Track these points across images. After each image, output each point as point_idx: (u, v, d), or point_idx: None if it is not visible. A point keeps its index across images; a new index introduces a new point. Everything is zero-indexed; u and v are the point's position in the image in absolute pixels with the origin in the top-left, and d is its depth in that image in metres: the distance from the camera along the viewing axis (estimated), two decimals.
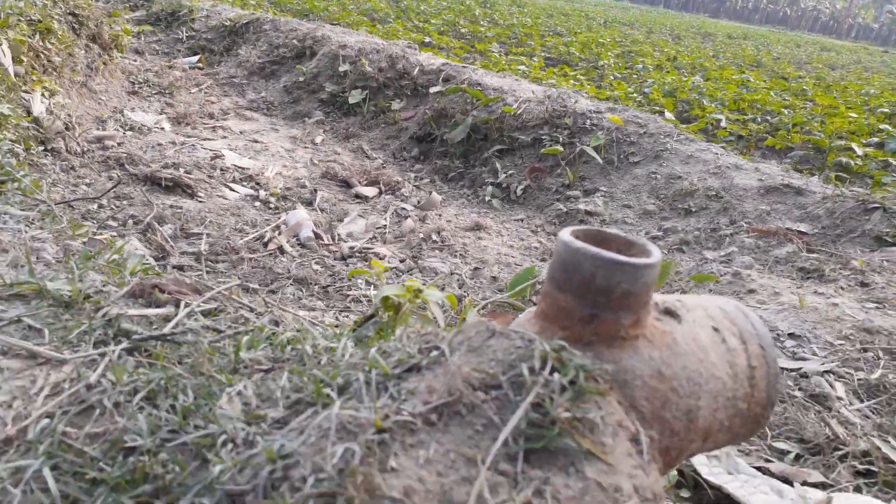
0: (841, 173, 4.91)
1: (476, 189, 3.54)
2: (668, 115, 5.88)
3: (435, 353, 0.61)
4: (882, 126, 6.51)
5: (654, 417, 0.64)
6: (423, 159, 3.94)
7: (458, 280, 2.41)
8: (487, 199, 3.41)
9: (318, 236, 2.68)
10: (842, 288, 2.05)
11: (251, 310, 1.06)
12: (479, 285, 2.39)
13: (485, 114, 3.84)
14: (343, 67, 4.43)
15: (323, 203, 3.07)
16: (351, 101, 4.23)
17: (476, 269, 2.54)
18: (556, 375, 0.55)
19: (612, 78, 8.00)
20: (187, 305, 0.97)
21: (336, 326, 1.61)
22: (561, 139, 3.56)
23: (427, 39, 8.75)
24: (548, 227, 3.12)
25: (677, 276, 2.09)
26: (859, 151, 4.73)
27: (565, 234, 0.65)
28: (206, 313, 0.98)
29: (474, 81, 4.08)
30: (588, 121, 3.61)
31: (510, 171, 3.56)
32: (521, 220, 3.21)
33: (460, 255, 2.66)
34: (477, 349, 0.60)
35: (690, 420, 0.68)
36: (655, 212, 3.00)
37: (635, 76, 8.26)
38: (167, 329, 0.89)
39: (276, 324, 1.01)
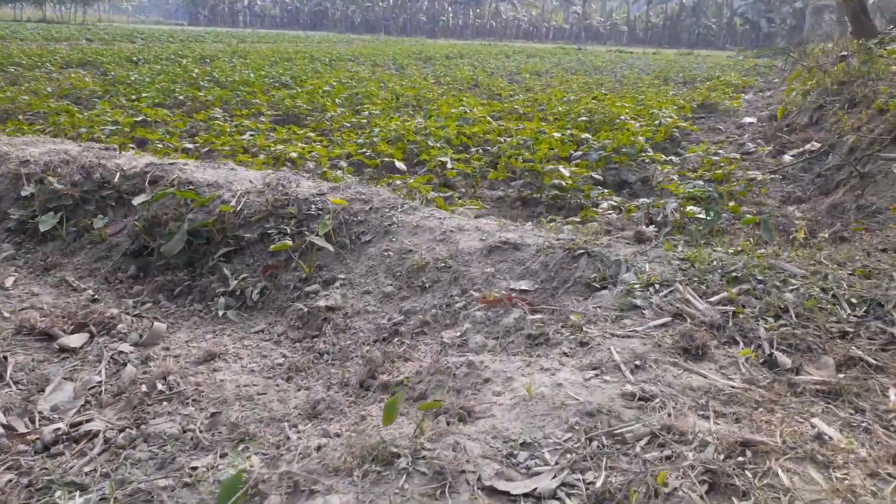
0: (558, 192, 5.37)
1: (207, 303, 3.26)
2: (398, 164, 6.01)
3: None
4: (584, 136, 7.28)
5: None
6: (143, 277, 3.55)
7: (192, 439, 2.14)
8: (221, 312, 3.15)
9: (8, 427, 2.23)
10: (565, 354, 2.15)
11: None
12: (217, 439, 2.15)
13: (203, 215, 3.56)
14: (28, 189, 3.86)
15: (17, 373, 2.60)
16: (42, 227, 3.69)
17: (213, 415, 2.29)
18: None
19: (340, 130, 8.04)
20: None
21: None
22: (289, 230, 3.41)
23: (140, 118, 8.10)
24: (291, 333, 2.95)
25: (407, 403, 2.04)
26: (566, 172, 5.20)
27: None
28: None
29: (185, 181, 3.77)
30: (313, 205, 3.50)
31: (242, 275, 3.33)
32: (262, 331, 3.00)
33: (193, 400, 2.38)
34: None
35: None
36: (394, 293, 2.97)
37: (364, 122, 8.39)
38: None
39: None
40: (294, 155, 6.00)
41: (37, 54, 17.13)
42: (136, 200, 3.51)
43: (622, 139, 6.36)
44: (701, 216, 4.74)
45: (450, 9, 77.42)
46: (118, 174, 3.92)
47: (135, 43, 27.87)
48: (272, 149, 6.15)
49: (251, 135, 7.55)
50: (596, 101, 9.96)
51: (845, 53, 14.66)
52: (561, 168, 5.19)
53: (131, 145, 6.78)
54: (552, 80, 16.53)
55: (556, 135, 6.56)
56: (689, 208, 4.74)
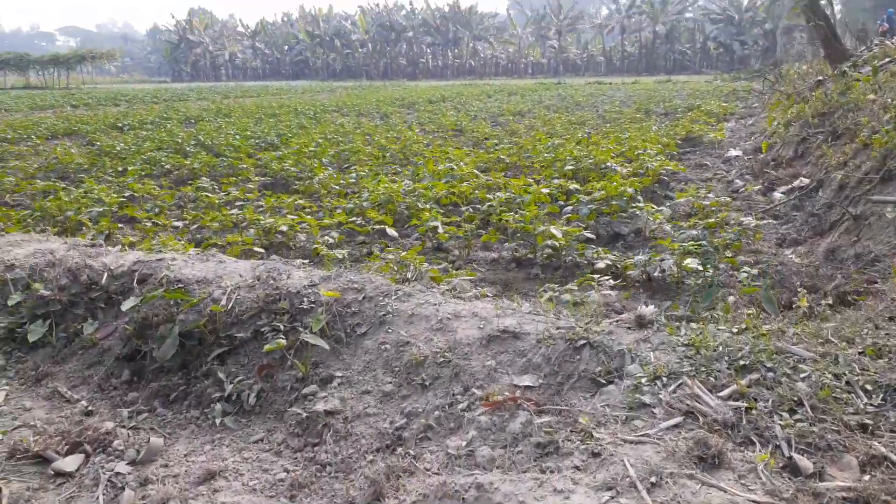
0: (552, 251, 5.33)
1: (204, 409, 3.16)
2: (390, 231, 5.97)
3: None
4: (572, 186, 7.27)
5: None
6: (137, 381, 3.46)
7: None
8: (219, 420, 3.06)
9: None
10: (577, 468, 2.07)
11: None
12: None
13: (194, 315, 3.49)
14: (15, 297, 3.78)
15: None
16: (32, 337, 3.60)
17: None
18: None
19: (330, 194, 8.03)
20: None
21: None
22: (282, 327, 3.34)
23: (128, 194, 8.07)
24: (291, 441, 2.86)
25: None
26: (558, 232, 5.17)
27: None
28: None
29: (173, 279, 3.70)
30: (305, 299, 3.44)
31: (238, 377, 3.24)
32: (262, 440, 2.91)
33: None
34: None
35: None
36: (394, 391, 2.89)
37: (352, 182, 8.39)
38: None
39: None
40: (284, 228, 5.95)
41: (22, 126, 17.18)
42: (125, 306, 3.44)
43: (611, 190, 6.35)
44: (699, 268, 4.71)
45: (428, 51, 78.65)
46: (106, 274, 3.86)
47: (119, 106, 28.07)
48: (261, 222, 6.10)
49: (240, 205, 7.53)
50: (580, 147, 10.01)
51: (821, 78, 14.89)
52: (553, 228, 5.15)
53: (120, 226, 6.73)
54: (535, 121, 16.65)
55: (545, 190, 6.55)
56: (686, 262, 4.71)
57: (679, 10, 65.42)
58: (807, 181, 7.21)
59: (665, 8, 64.81)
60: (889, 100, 7.29)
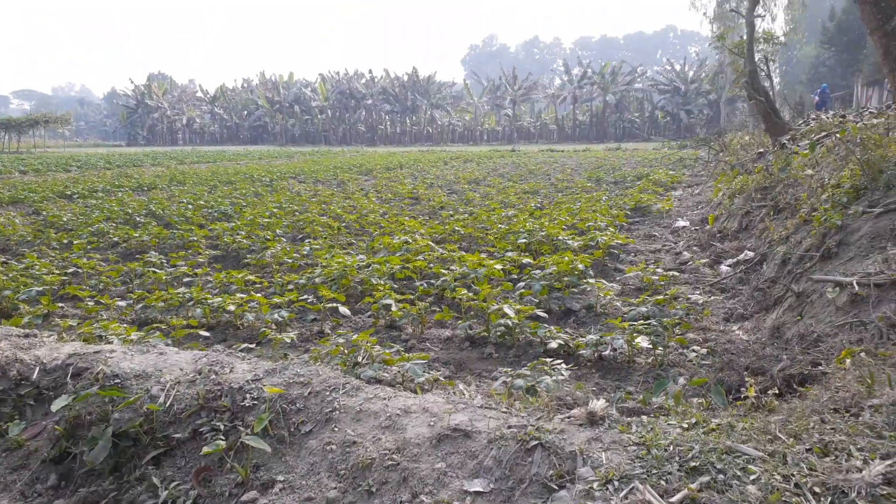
0: (505, 330, 5.29)
1: None
2: (342, 309, 5.87)
3: None
4: (525, 261, 7.32)
5: None
6: (65, 487, 3.23)
7: None
8: None
9: None
10: None
11: None
12: None
13: (130, 414, 3.31)
14: None
15: None
16: None
17: None
18: None
19: (282, 268, 7.91)
20: None
21: None
22: (223, 426, 3.18)
23: (72, 269, 7.81)
24: None
25: None
26: (511, 311, 5.15)
27: None
28: None
29: (110, 374, 3.52)
30: (248, 395, 3.30)
31: (174, 482, 3.05)
32: None
33: None
34: None
35: None
36: (339, 497, 2.75)
37: (306, 256, 8.29)
38: None
39: None
40: (232, 308, 5.80)
41: None
42: (56, 405, 3.24)
43: (563, 266, 6.40)
44: (649, 346, 4.73)
45: (387, 117, 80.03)
46: (38, 369, 3.65)
47: (70, 172, 27.58)
48: (209, 301, 5.94)
49: (188, 282, 7.35)
50: (534, 218, 10.14)
51: (762, 150, 15.55)
52: (506, 307, 5.13)
53: (60, 306, 6.47)
54: (490, 189, 16.90)
55: (498, 266, 6.57)
56: (636, 341, 4.72)
57: (628, 80, 68.33)
58: (751, 254, 7.39)
59: (615, 79, 67.64)
60: (826, 176, 7.61)
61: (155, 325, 5.43)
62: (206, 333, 5.32)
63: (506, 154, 42.22)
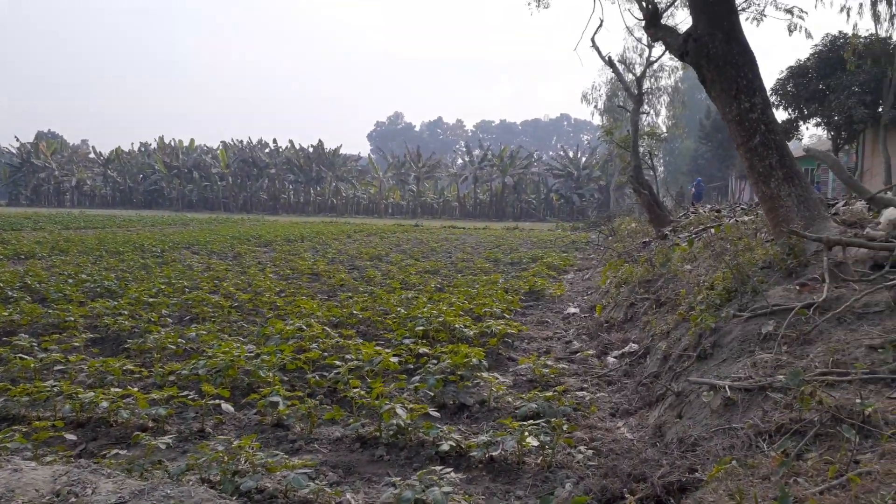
0: (398, 430, 5.18)
1: None
2: (225, 406, 5.58)
3: None
4: (422, 350, 7.28)
5: None
6: None
7: None
8: None
9: None
10: None
11: None
12: None
13: None
14: None
15: None
16: None
17: None
18: None
19: (164, 356, 7.49)
20: None
21: None
22: None
23: None
24: None
25: None
26: (403, 412, 5.06)
27: None
28: None
29: None
30: None
31: None
32: None
33: None
34: None
35: None
36: None
37: (191, 346, 7.88)
38: None
39: None
40: (105, 404, 5.39)
41: None
42: None
43: (457, 359, 6.42)
44: (538, 446, 4.77)
45: (291, 187, 79.42)
46: None
47: None
48: (80, 395, 5.50)
49: (60, 370, 6.81)
50: (432, 303, 10.19)
51: (647, 240, 16.51)
52: (398, 408, 5.05)
53: None
54: (391, 267, 16.90)
55: (394, 358, 6.50)
56: (526, 440, 4.75)
57: (525, 164, 71.53)
58: (636, 346, 7.70)
59: (513, 162, 70.64)
60: (702, 273, 8.12)
61: (15, 426, 4.94)
62: (73, 437, 4.89)
63: (409, 229, 42.64)
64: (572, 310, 11.14)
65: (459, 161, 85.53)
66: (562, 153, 76.68)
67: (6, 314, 9.08)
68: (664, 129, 48.35)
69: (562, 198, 69.86)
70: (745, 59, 6.98)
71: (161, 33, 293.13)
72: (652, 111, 47.87)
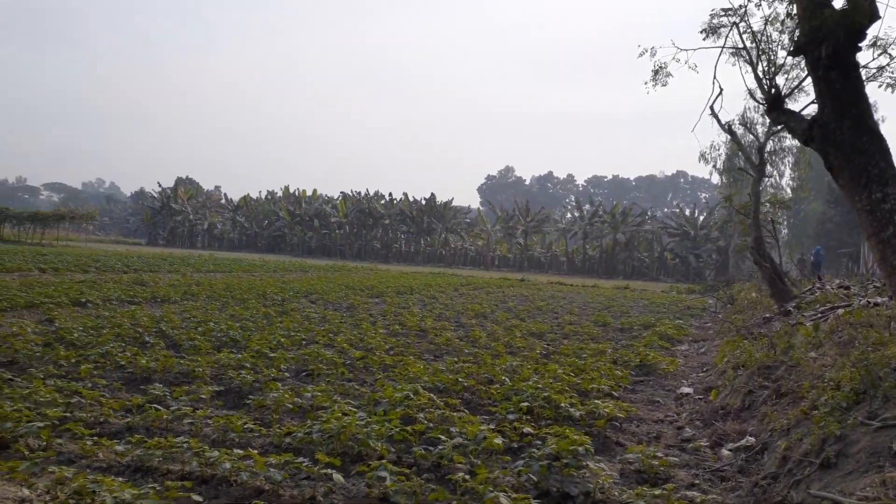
0: None
1: None
2: (336, 477, 5.81)
3: None
4: (525, 429, 7.27)
5: None
6: None
7: None
8: None
9: None
10: None
11: None
12: None
13: None
14: None
15: None
16: None
17: None
18: None
19: (281, 415, 7.91)
20: None
21: None
22: None
23: (74, 399, 7.83)
24: None
25: None
26: (506, 502, 5.10)
27: None
28: None
29: None
30: None
31: None
32: None
33: None
34: None
35: None
36: None
37: (306, 404, 8.28)
38: None
39: None
40: (228, 465, 5.78)
41: None
42: None
43: (563, 445, 6.37)
44: None
45: (402, 237, 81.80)
46: None
47: (87, 272, 28.09)
48: (206, 454, 5.93)
49: (189, 425, 7.33)
50: (537, 374, 10.17)
51: (768, 315, 15.68)
52: (502, 497, 5.09)
53: (59, 441, 6.46)
54: (496, 329, 16.96)
55: (498, 440, 6.55)
56: None
57: (638, 221, 70.01)
58: (753, 440, 7.33)
59: (625, 219, 69.34)
60: (827, 365, 7.66)
61: (148, 476, 5.39)
62: (199, 498, 5.27)
63: (515, 283, 42.67)
64: (686, 389, 10.74)
65: (568, 216, 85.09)
66: (677, 211, 74.57)
67: (143, 362, 9.91)
68: (789, 192, 46.07)
69: (677, 257, 67.58)
70: (876, 147, 6.68)
71: (281, 88, 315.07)
72: (776, 172, 45.85)
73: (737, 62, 15.86)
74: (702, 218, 68.32)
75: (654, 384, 11.42)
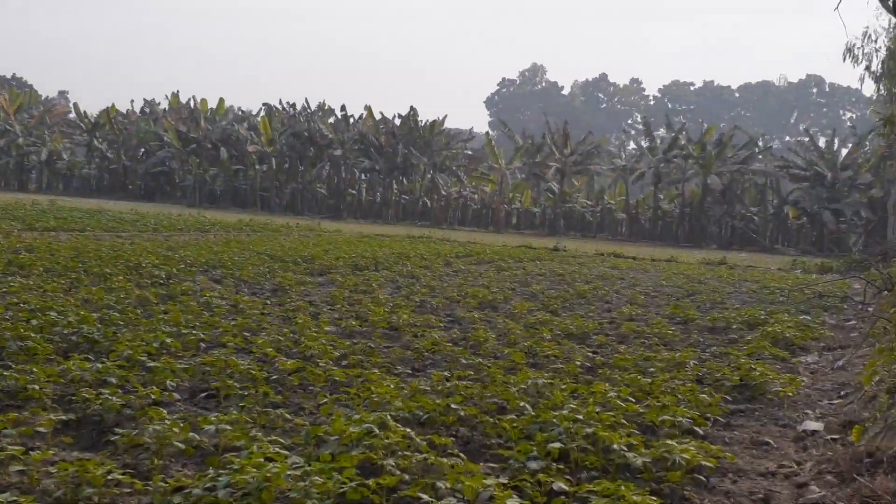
0: None
1: None
2: None
3: None
4: (556, 486, 7.35)
5: None
6: None
7: None
8: None
9: None
10: None
11: None
12: None
13: None
14: None
15: None
16: None
17: None
18: None
19: (166, 468, 7.93)
20: None
21: None
22: None
23: None
24: None
25: None
26: None
27: None
28: None
29: None
30: None
31: None
32: None
33: None
34: None
35: None
36: None
37: (206, 444, 8.32)
38: None
39: None
40: None
41: None
42: None
43: None
44: None
45: (363, 177, 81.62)
46: None
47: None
48: None
49: (18, 475, 7.35)
50: (576, 398, 10.23)
51: None
52: None
53: None
54: (513, 326, 16.98)
55: (514, 502, 6.61)
56: None
57: (743, 157, 69.72)
58: None
59: (722, 152, 69.04)
60: None
61: None
62: None
63: (544, 254, 42.66)
64: (812, 425, 10.86)
65: (632, 146, 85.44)
66: (806, 140, 74.69)
67: None
68: None
69: (804, 214, 67.74)
70: None
71: None
72: None
73: None
74: (845, 152, 68.38)
75: (761, 416, 11.52)
